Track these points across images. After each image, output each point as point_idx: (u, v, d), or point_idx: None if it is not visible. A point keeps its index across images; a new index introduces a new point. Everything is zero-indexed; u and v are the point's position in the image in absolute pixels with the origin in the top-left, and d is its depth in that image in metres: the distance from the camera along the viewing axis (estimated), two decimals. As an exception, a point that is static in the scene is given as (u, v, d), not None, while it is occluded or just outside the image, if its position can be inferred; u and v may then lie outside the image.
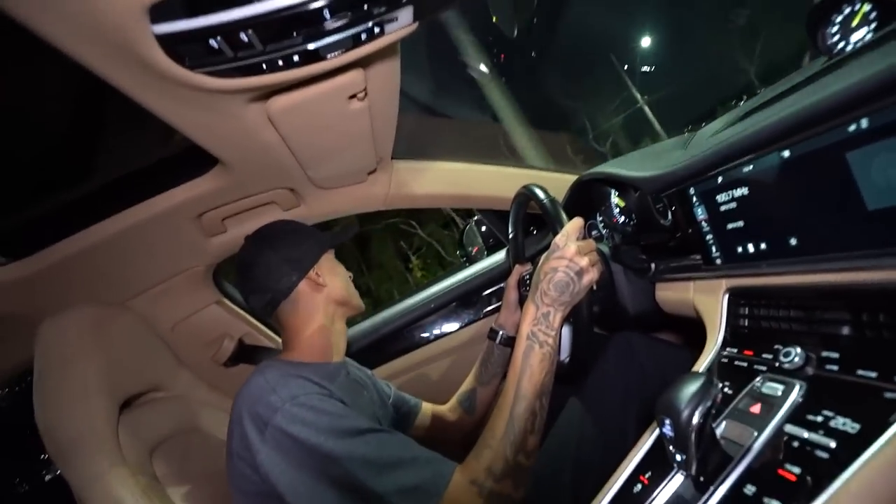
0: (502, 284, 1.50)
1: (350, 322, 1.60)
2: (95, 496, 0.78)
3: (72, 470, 0.80)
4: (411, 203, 1.32)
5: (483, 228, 1.75)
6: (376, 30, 0.60)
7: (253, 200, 1.04)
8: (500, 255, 1.55)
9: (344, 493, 0.65)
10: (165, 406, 1.04)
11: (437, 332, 1.50)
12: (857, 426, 0.45)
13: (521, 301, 1.15)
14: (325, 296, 0.91)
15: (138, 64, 0.52)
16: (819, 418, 0.48)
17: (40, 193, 0.80)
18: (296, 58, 0.58)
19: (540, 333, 0.76)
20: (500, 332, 1.13)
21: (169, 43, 0.50)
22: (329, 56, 0.61)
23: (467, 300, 1.51)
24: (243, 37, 0.52)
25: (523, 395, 0.73)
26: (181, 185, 0.89)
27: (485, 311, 1.49)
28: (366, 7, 0.56)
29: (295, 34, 0.55)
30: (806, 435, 0.48)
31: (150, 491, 0.81)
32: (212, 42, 0.51)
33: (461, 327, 1.49)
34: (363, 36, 0.60)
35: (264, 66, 0.58)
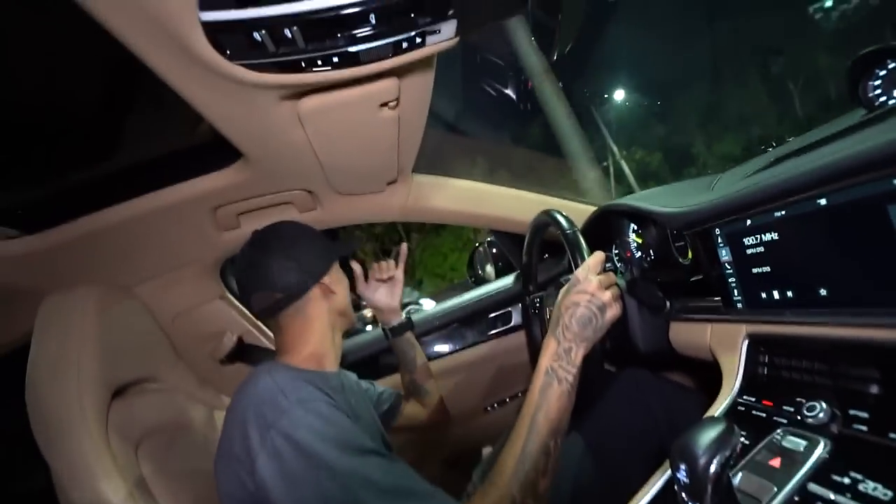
0: (509, 308, 1.48)
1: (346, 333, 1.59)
2: (76, 484, 0.75)
3: (55, 452, 0.77)
4: (426, 217, 1.32)
5: (494, 250, 1.74)
6: (418, 40, 0.60)
7: (271, 199, 1.03)
8: (508, 279, 1.53)
9: None
10: (156, 398, 1.02)
11: (437, 351, 1.47)
12: (889, 493, 0.42)
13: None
14: (331, 304, 0.91)
15: (179, 48, 0.52)
16: (846, 480, 0.46)
17: (60, 170, 0.80)
18: (335, 59, 0.59)
19: (560, 370, 0.72)
20: (384, 329, 1.22)
21: (213, 31, 0.50)
22: (368, 61, 0.61)
23: (472, 321, 1.48)
24: (287, 33, 0.52)
25: (538, 431, 0.68)
26: (202, 176, 0.89)
27: (489, 333, 1.46)
28: (411, 16, 0.56)
29: (338, 35, 0.55)
30: (832, 496, 0.45)
31: (132, 485, 0.78)
32: (255, 35, 0.51)
33: (463, 348, 1.46)
34: (404, 45, 0.60)
35: (303, 63, 0.58)
